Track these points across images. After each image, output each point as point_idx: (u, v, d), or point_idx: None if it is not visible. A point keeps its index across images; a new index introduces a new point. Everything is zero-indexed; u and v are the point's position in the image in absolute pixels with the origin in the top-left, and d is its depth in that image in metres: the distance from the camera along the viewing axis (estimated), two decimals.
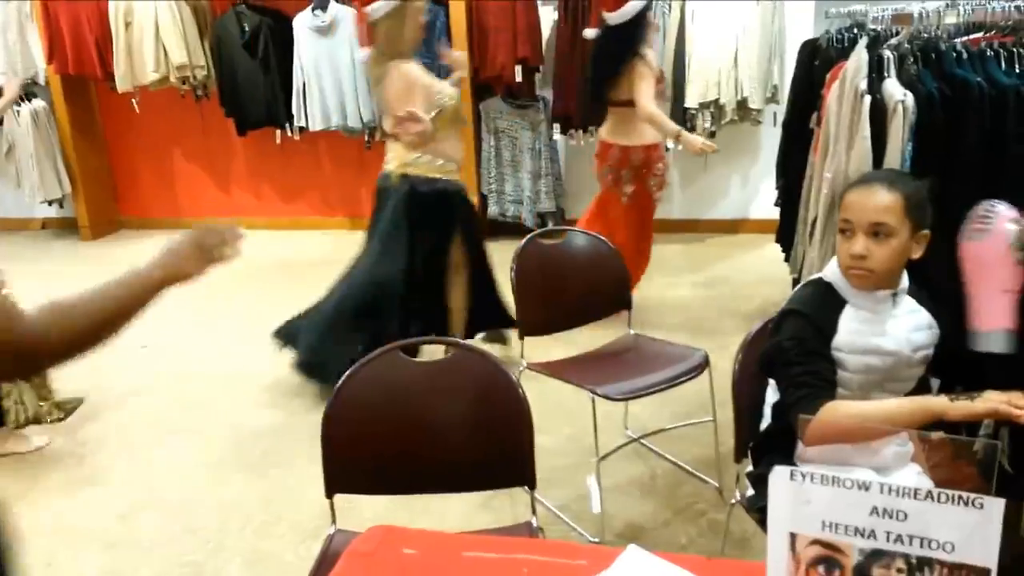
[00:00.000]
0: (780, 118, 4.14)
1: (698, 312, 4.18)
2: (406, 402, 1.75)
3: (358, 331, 3.14)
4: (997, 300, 1.52)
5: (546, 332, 2.64)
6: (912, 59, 1.94)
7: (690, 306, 4.27)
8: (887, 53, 1.96)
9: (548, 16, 5.20)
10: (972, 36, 2.35)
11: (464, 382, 1.77)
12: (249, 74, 5.48)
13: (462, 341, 1.81)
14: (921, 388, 1.73)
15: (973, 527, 0.89)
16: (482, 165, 5.53)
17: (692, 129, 4.99)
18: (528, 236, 2.66)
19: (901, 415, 1.45)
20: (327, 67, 5.41)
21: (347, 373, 1.73)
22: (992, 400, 1.37)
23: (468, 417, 1.75)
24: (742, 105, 4.96)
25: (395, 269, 3.19)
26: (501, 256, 3.91)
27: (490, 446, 1.74)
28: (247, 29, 5.43)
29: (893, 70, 1.94)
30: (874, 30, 2.85)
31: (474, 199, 5.51)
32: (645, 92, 3.55)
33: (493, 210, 5.52)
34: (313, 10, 5.34)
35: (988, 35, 2.39)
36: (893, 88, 1.90)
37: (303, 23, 5.38)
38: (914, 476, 1.66)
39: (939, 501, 0.90)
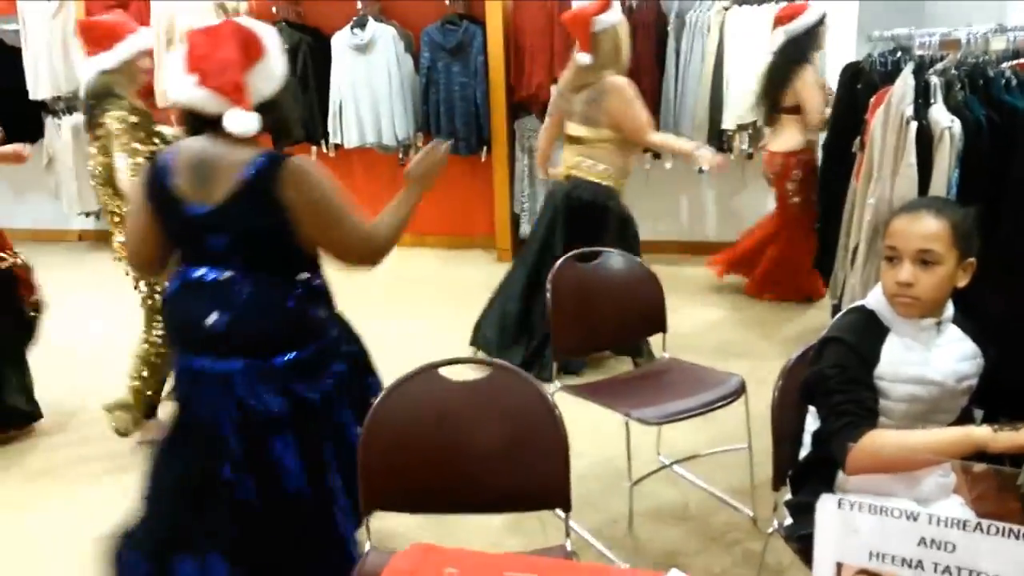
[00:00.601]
0: (819, 141, 4.16)
1: (734, 336, 4.17)
2: (442, 421, 1.77)
3: (517, 339, 3.66)
4: None
5: (582, 354, 2.67)
6: (959, 85, 1.95)
7: (726, 330, 4.26)
8: (934, 79, 1.97)
9: None
10: (1020, 60, 2.35)
11: (501, 402, 1.79)
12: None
13: (499, 361, 1.83)
14: (965, 418, 1.73)
15: (1019, 559, 0.89)
16: (515, 183, 5.59)
17: (730, 150, 5.01)
18: (563, 257, 2.68)
19: (943, 445, 1.45)
20: (364, 85, 5.51)
21: (382, 393, 1.76)
22: None
23: (504, 438, 1.77)
24: None
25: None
26: None
27: (525, 467, 1.76)
28: (287, 47, 5.55)
29: (940, 96, 1.94)
30: (919, 55, 2.86)
31: (505, 218, 5.60)
32: (812, 101, 4.12)
33: (525, 228, 5.56)
34: (352, 29, 5.46)
35: None
36: (940, 115, 1.90)
37: (342, 41, 5.50)
38: (956, 508, 1.64)
39: (988, 533, 0.91)
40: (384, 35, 5.46)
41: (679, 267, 5.06)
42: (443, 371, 1.80)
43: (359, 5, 5.53)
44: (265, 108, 1.90)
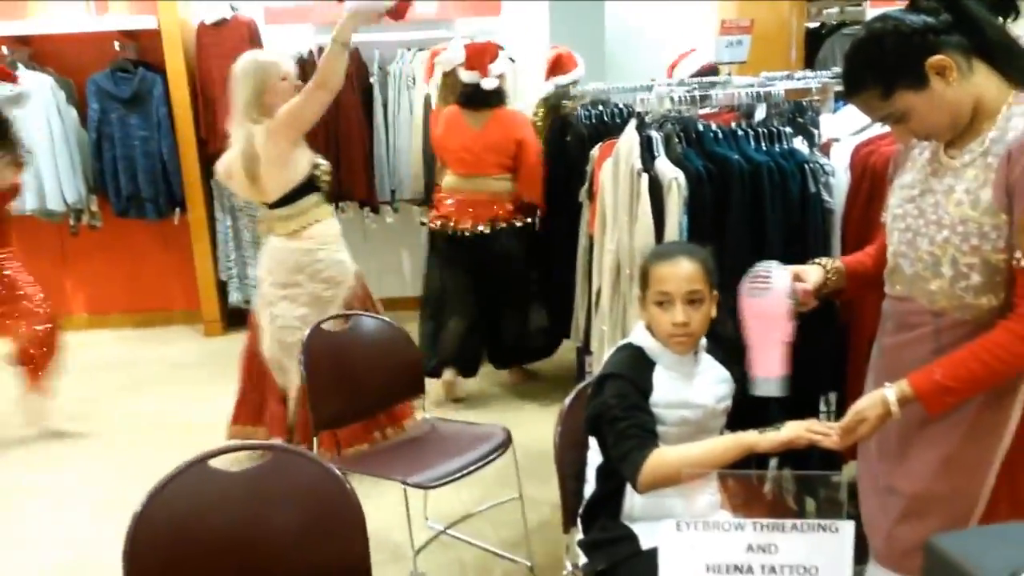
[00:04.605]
0: None
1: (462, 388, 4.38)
2: (223, 519, 1.71)
3: None
4: (775, 350, 1.86)
5: (343, 424, 2.68)
6: (677, 139, 2.33)
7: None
8: (654, 134, 2.33)
9: None
10: (701, 112, 2.83)
11: (288, 487, 1.77)
12: None
13: (282, 443, 1.81)
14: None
15: (831, 549, 1.13)
16: (218, 247, 5.38)
17: None
18: (314, 325, 2.69)
19: (719, 452, 1.72)
20: None
21: (142, 502, 1.65)
22: (794, 428, 1.68)
23: (296, 524, 1.75)
24: None
25: None
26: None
27: (323, 552, 1.75)
28: None
29: (662, 150, 2.31)
30: (638, 111, 3.32)
31: (211, 288, 5.37)
32: None
33: (235, 297, 5.37)
34: None
35: (714, 113, 2.91)
36: (665, 167, 2.26)
37: None
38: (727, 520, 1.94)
39: (803, 531, 1.13)
40: (40, 84, 5.02)
41: (404, 323, 5.19)
42: (215, 463, 1.74)
43: (4, 50, 5.03)
44: None
